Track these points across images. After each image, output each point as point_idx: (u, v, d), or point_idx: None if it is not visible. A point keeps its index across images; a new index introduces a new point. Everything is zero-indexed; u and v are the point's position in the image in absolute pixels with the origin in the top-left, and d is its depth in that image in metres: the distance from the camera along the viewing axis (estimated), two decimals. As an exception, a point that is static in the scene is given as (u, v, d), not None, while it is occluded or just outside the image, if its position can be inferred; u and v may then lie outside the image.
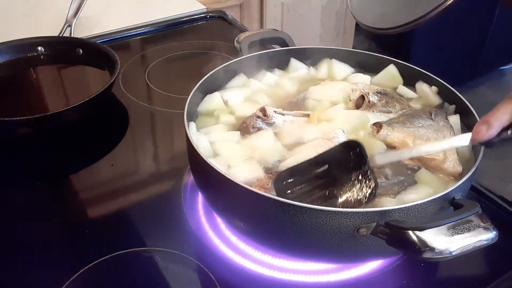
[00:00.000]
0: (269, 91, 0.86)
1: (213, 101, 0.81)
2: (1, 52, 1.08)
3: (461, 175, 0.65)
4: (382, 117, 0.77)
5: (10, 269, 0.70)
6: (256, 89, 0.85)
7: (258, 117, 0.76)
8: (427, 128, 0.73)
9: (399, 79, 0.86)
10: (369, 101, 0.79)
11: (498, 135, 0.61)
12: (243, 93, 0.84)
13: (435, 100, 0.81)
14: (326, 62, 0.91)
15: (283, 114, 0.78)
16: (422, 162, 0.69)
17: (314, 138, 0.72)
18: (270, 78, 0.88)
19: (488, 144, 0.63)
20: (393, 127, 0.72)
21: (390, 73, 0.87)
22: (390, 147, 0.72)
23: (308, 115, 0.78)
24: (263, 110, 0.77)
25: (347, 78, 0.89)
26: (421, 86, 0.84)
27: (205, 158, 0.62)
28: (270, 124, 0.76)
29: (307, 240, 0.60)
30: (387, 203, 0.62)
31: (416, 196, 0.63)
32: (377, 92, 0.81)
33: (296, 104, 0.83)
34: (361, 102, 0.80)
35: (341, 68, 0.89)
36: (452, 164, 0.67)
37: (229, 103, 0.82)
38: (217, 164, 0.63)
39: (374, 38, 1.06)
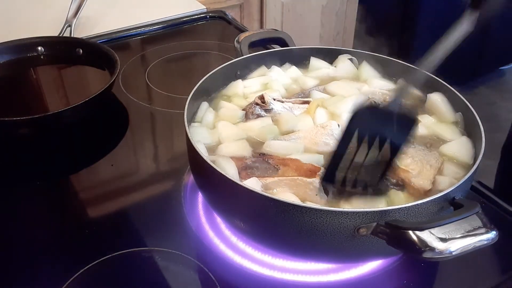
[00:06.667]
0: (287, 85, 0.86)
1: (232, 87, 0.83)
2: (1, 52, 1.08)
3: (426, 193, 0.64)
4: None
5: (10, 269, 0.70)
6: (275, 80, 0.86)
7: (257, 104, 0.77)
8: (415, 150, 0.71)
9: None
10: None
11: None
12: (261, 81, 0.85)
13: (450, 116, 0.77)
14: (350, 61, 0.89)
15: (282, 101, 0.78)
16: (396, 173, 0.67)
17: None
18: (292, 72, 0.88)
19: None
20: None
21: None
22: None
23: (307, 102, 0.78)
24: (261, 97, 0.77)
25: (368, 80, 0.86)
26: (435, 97, 0.79)
27: (205, 158, 0.62)
28: (269, 111, 0.76)
29: (307, 240, 0.60)
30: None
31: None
32: None
33: (307, 94, 0.84)
34: None
35: (367, 70, 0.88)
36: (423, 181, 0.66)
37: (245, 90, 0.83)
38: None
39: (376, 36, 1.06)
